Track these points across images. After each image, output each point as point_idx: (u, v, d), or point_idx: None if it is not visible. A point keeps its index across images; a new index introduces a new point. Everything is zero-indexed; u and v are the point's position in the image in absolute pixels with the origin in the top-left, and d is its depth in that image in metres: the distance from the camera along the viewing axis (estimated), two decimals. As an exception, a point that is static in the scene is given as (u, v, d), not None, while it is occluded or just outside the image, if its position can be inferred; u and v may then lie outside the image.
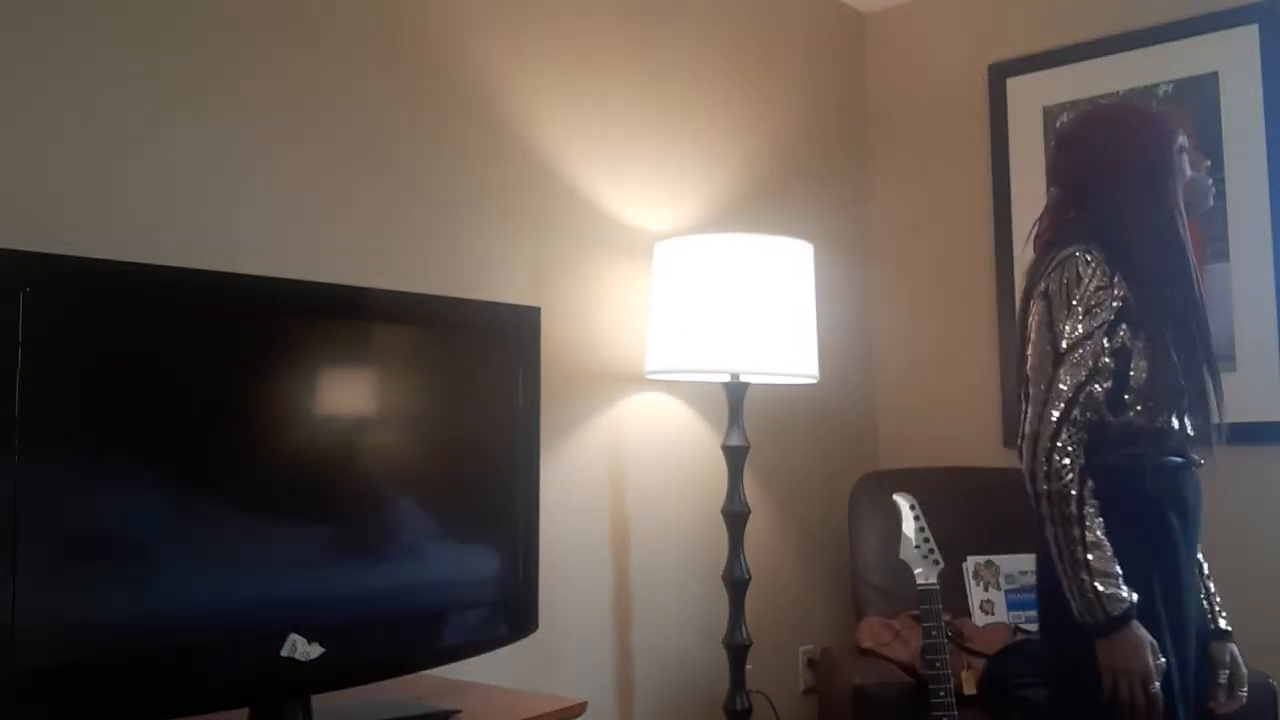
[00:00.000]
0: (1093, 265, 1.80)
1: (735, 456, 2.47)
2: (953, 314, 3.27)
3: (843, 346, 3.21)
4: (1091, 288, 1.79)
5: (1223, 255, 2.79)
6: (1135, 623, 1.72)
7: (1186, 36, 2.86)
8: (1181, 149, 1.89)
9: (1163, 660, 1.72)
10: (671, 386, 2.69)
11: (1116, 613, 1.71)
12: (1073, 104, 3.02)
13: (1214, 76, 2.83)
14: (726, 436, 2.49)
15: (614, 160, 2.59)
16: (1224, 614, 1.94)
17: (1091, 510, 1.73)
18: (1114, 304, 1.79)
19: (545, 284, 2.41)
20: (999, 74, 3.16)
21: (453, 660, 1.82)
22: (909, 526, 2.18)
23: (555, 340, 2.32)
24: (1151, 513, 1.80)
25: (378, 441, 1.72)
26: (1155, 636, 1.74)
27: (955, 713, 1.97)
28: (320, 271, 1.94)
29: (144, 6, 1.79)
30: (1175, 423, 1.83)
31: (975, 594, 2.72)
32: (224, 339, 1.52)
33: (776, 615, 2.93)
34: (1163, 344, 1.80)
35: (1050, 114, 3.06)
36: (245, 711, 1.56)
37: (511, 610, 1.85)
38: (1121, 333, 1.79)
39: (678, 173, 2.77)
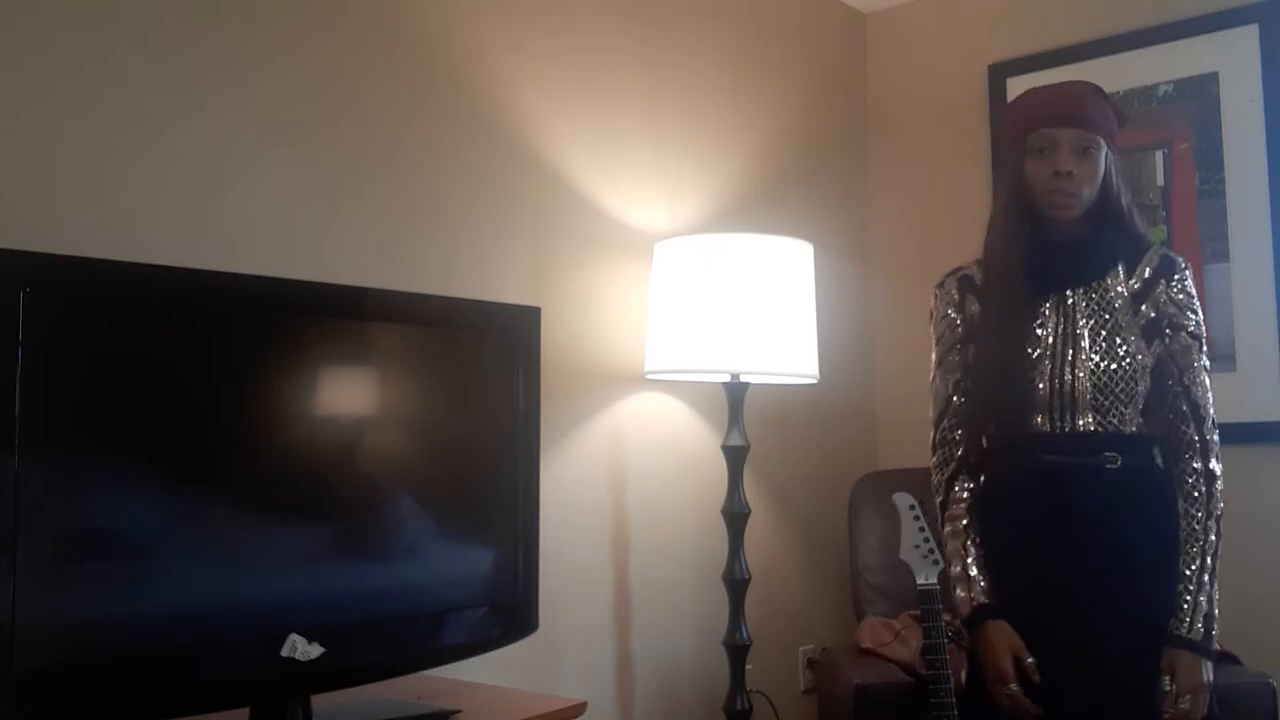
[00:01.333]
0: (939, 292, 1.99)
1: (735, 456, 2.47)
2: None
3: (843, 346, 3.21)
4: (937, 317, 1.99)
5: (1223, 255, 2.79)
6: (989, 624, 1.81)
7: (1186, 36, 2.86)
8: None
9: (1030, 660, 1.76)
10: (671, 386, 2.69)
11: (965, 615, 1.84)
12: (1073, 104, 3.02)
13: (1214, 76, 2.83)
14: (726, 436, 2.49)
15: (614, 160, 2.59)
16: (1194, 621, 1.78)
17: (954, 521, 1.89)
18: (958, 328, 1.93)
19: (545, 284, 2.41)
20: (999, 74, 3.16)
21: (453, 660, 1.82)
22: (909, 527, 2.18)
23: (555, 340, 2.32)
24: (1016, 517, 1.86)
25: (378, 441, 1.72)
26: (1035, 635, 1.78)
27: (955, 713, 1.97)
28: (320, 271, 1.94)
29: (145, 7, 1.79)
30: (1031, 425, 1.84)
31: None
32: (224, 339, 1.52)
33: (776, 615, 2.93)
34: (987, 353, 1.88)
35: (1050, 114, 3.06)
36: (245, 711, 1.56)
37: (511, 610, 1.85)
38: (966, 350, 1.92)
39: (677, 173, 2.77)
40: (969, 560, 1.85)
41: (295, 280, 1.69)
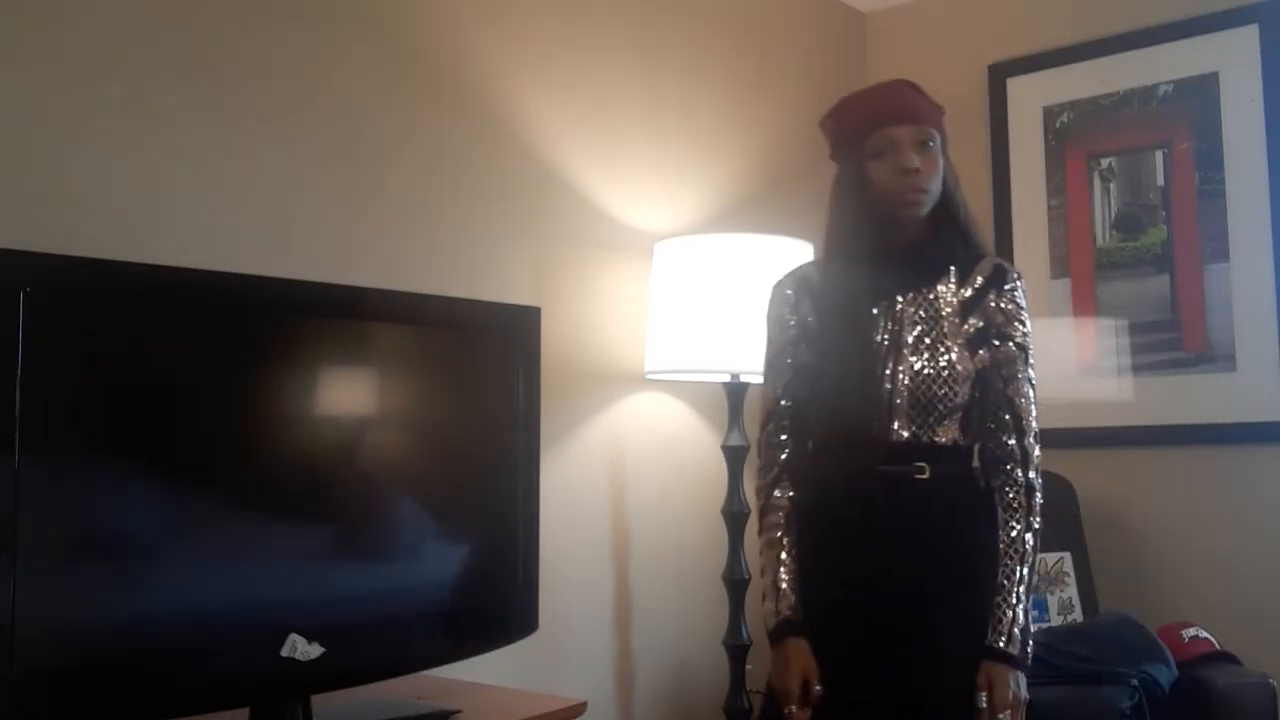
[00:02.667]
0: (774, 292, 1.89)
1: (735, 456, 2.47)
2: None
3: (843, 346, 3.20)
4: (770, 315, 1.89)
5: (1223, 255, 2.78)
6: (789, 641, 1.73)
7: (1186, 36, 2.86)
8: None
9: (817, 689, 1.69)
10: (671, 386, 2.69)
11: (768, 628, 1.77)
12: (1072, 104, 3.02)
13: (1214, 76, 2.82)
14: (726, 436, 2.49)
15: (614, 160, 2.59)
16: (1007, 632, 1.69)
17: (770, 530, 1.81)
18: (790, 329, 1.84)
19: (545, 284, 2.41)
20: (999, 74, 3.16)
21: (453, 660, 1.82)
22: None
23: (555, 340, 2.32)
24: (825, 529, 1.79)
25: (378, 441, 1.72)
26: (838, 654, 1.71)
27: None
28: (320, 271, 1.93)
29: (145, 7, 1.79)
30: (854, 433, 1.77)
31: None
32: (224, 339, 1.52)
33: (776, 615, 2.92)
34: (825, 359, 1.80)
35: (1050, 114, 3.06)
36: (245, 711, 1.56)
37: (511, 610, 1.85)
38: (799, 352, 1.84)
39: (677, 173, 2.77)
40: (780, 572, 1.78)
41: (295, 280, 1.69)
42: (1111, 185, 2.96)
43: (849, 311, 1.79)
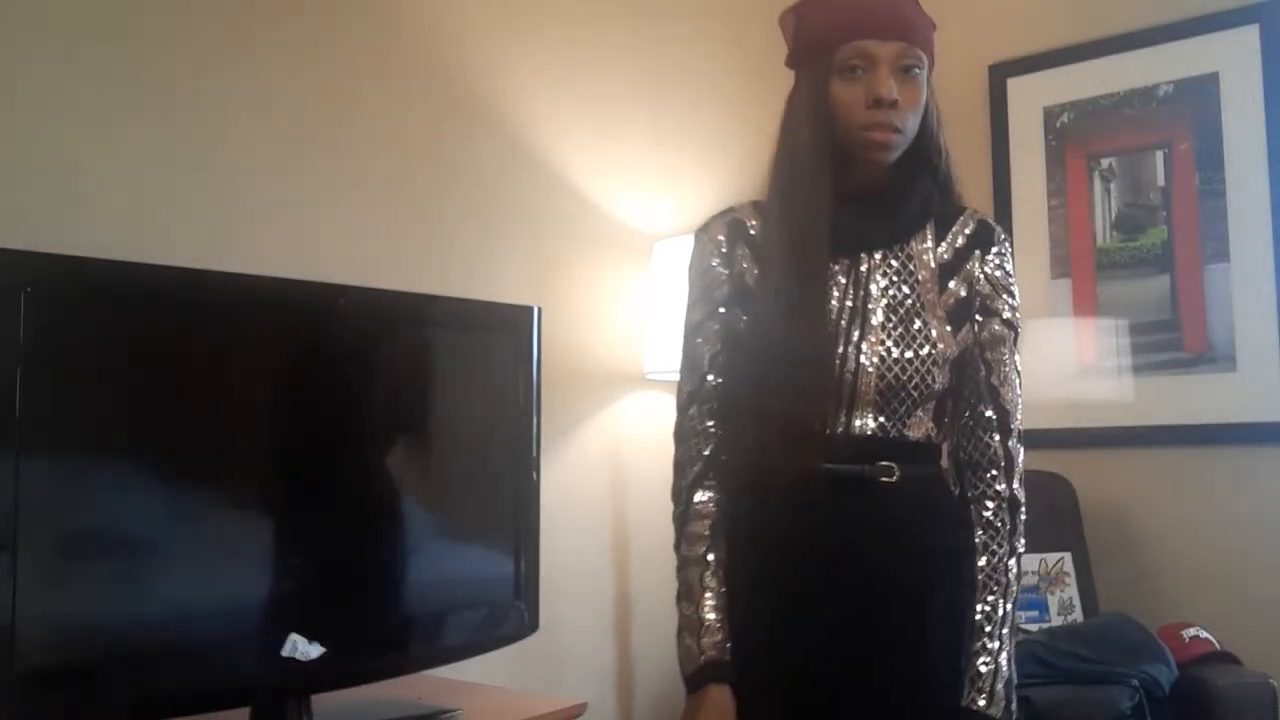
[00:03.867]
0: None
1: (735, 456, 2.47)
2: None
3: (843, 346, 3.20)
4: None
5: (1223, 255, 2.78)
6: (710, 689, 1.40)
7: (1186, 36, 2.86)
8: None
9: None
10: (671, 386, 2.67)
11: (686, 671, 1.46)
12: (1073, 104, 3.02)
13: (1214, 77, 2.82)
14: (726, 436, 2.48)
15: (614, 160, 2.59)
16: (991, 689, 1.37)
17: (692, 543, 1.50)
18: (722, 286, 1.48)
19: (545, 284, 2.40)
20: (999, 74, 3.15)
21: (453, 660, 1.82)
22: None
23: (555, 340, 2.32)
24: (753, 546, 1.47)
25: (378, 441, 1.72)
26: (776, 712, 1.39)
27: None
28: (320, 271, 1.93)
29: (146, 7, 1.79)
30: (803, 422, 1.42)
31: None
32: (224, 339, 1.52)
33: (776, 615, 2.93)
34: (770, 328, 1.43)
35: (1050, 114, 3.06)
36: (245, 711, 1.56)
37: (511, 610, 1.85)
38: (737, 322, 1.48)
39: (677, 172, 2.77)
40: (705, 599, 1.44)
41: (295, 280, 1.69)
42: (1112, 185, 2.96)
43: (799, 268, 1.41)
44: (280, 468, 1.58)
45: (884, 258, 1.44)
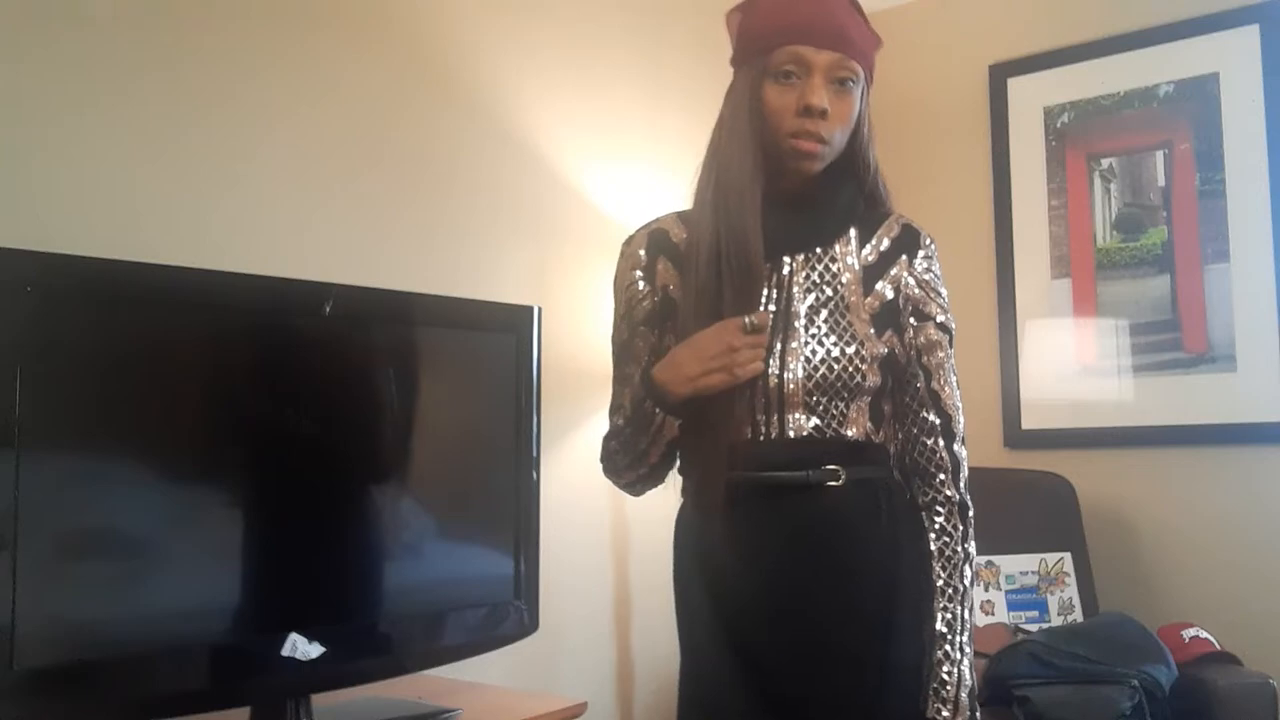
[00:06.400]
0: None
1: (735, 456, 2.47)
2: (952, 313, 3.26)
3: (843, 347, 3.20)
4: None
5: (1223, 255, 2.78)
6: (663, 363, 1.43)
7: (1186, 37, 2.86)
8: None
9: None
10: (671, 386, 2.68)
11: (647, 397, 1.48)
12: (1073, 104, 3.02)
13: (1214, 77, 2.83)
14: (726, 436, 2.48)
15: (614, 160, 2.59)
16: (956, 698, 1.36)
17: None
18: (643, 302, 1.52)
19: (545, 284, 2.40)
20: (999, 74, 3.16)
21: (453, 660, 1.82)
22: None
23: (555, 340, 2.32)
24: (691, 566, 1.53)
25: (378, 441, 1.72)
26: None
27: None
28: (320, 271, 1.94)
29: (146, 7, 1.79)
30: (734, 431, 1.41)
31: (975, 594, 2.71)
32: (224, 338, 1.52)
33: (776, 615, 2.93)
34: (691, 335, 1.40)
35: (1050, 114, 3.06)
36: (245, 711, 1.56)
37: (511, 610, 1.85)
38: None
39: (678, 173, 2.77)
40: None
41: (294, 280, 1.69)
42: (1112, 185, 2.96)
43: (746, 283, 1.39)
44: (281, 467, 1.58)
45: (806, 260, 1.44)
